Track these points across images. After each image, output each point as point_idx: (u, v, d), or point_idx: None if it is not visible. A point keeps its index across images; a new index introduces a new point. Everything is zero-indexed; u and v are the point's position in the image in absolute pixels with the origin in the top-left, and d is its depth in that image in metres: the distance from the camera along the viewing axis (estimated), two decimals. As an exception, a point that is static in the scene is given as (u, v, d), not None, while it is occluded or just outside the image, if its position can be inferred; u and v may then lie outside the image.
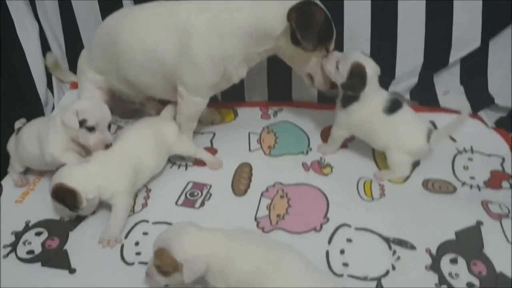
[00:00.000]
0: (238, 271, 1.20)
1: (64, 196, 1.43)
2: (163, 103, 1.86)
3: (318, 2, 1.57)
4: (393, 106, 1.62)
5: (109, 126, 1.56)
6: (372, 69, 1.58)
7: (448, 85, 1.97)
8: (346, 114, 1.65)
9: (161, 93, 1.78)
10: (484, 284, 1.30)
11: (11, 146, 1.70)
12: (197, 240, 1.22)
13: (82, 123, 1.48)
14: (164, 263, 1.20)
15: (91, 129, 1.49)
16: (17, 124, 1.73)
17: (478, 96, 1.94)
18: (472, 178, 1.68)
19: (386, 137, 1.62)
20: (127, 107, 2.00)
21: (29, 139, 1.61)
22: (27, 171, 1.75)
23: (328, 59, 1.62)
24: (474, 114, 1.93)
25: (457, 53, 1.90)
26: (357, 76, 1.56)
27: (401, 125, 1.62)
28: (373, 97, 1.61)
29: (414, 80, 1.94)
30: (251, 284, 1.18)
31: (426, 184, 1.64)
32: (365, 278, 1.33)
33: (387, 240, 1.43)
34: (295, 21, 1.50)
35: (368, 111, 1.61)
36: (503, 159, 1.75)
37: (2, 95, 1.80)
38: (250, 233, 1.35)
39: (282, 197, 1.60)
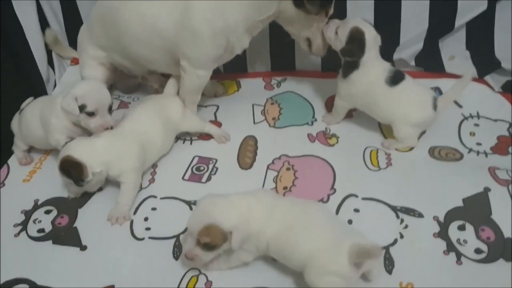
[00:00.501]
0: (271, 229, 1.23)
1: (70, 168, 1.43)
2: (166, 76, 1.84)
3: None
4: (396, 78, 1.59)
5: (110, 109, 1.54)
6: (371, 36, 1.57)
7: (454, 50, 1.94)
8: (346, 84, 1.63)
9: (163, 67, 1.76)
10: (493, 250, 1.31)
11: (15, 124, 1.70)
12: (234, 206, 1.23)
13: (81, 108, 1.47)
14: (215, 237, 1.19)
15: (91, 114, 1.49)
16: (24, 105, 1.72)
17: (484, 60, 1.92)
18: (478, 144, 1.68)
19: (390, 110, 1.60)
20: (130, 82, 1.99)
21: (32, 120, 1.61)
22: (31, 149, 1.75)
23: (328, 26, 1.61)
24: (480, 78, 1.91)
25: (462, 17, 1.86)
26: (355, 41, 1.55)
27: (405, 97, 1.59)
28: (374, 66, 1.59)
29: (419, 46, 1.92)
30: (279, 240, 1.22)
31: (432, 151, 1.64)
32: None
33: (394, 209, 1.44)
34: None
35: (369, 80, 1.59)
36: (510, 124, 1.74)
37: (3, 73, 1.79)
38: (271, 192, 1.40)
39: (288, 169, 1.60)
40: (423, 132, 1.69)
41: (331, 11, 1.63)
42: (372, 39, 1.57)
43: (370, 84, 1.59)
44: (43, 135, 1.58)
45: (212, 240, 1.19)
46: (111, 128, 1.53)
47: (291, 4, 1.55)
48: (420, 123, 1.62)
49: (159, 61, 1.71)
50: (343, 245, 1.15)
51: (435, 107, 1.59)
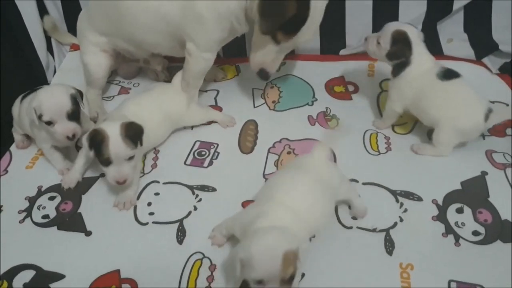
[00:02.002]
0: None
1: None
2: (169, 58, 1.84)
3: None
4: (449, 73, 1.54)
5: (70, 115, 1.48)
6: (413, 32, 1.55)
7: (452, 33, 1.95)
8: (398, 82, 1.58)
9: (167, 50, 1.75)
10: (490, 232, 1.35)
11: (15, 110, 1.69)
12: (283, 230, 1.14)
13: (40, 117, 1.46)
14: (292, 263, 1.07)
15: (48, 123, 1.47)
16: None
17: (482, 42, 1.93)
18: (476, 126, 1.69)
19: (439, 107, 1.52)
20: (130, 66, 1.98)
21: (26, 117, 1.59)
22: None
23: (367, 41, 1.61)
24: (478, 60, 1.92)
25: (460, 0, 1.87)
26: (400, 41, 1.54)
27: (457, 96, 1.52)
28: (425, 60, 1.56)
29: (418, 29, 1.90)
30: None
31: (431, 134, 1.64)
32: (374, 230, 1.37)
33: (394, 193, 1.47)
34: (262, 7, 1.44)
35: (421, 73, 1.54)
36: (508, 106, 1.75)
37: (3, 60, 1.78)
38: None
39: (289, 152, 1.62)
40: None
41: (288, 44, 1.55)
42: (415, 35, 1.55)
43: (422, 77, 1.54)
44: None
45: (294, 268, 1.08)
46: (73, 136, 1.49)
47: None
48: (466, 130, 1.52)
49: (163, 45, 1.70)
50: None
51: (486, 117, 1.49)
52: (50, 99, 1.47)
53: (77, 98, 1.51)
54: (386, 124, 1.70)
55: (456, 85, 1.53)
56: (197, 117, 1.73)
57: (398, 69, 1.57)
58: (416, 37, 1.55)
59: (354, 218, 1.41)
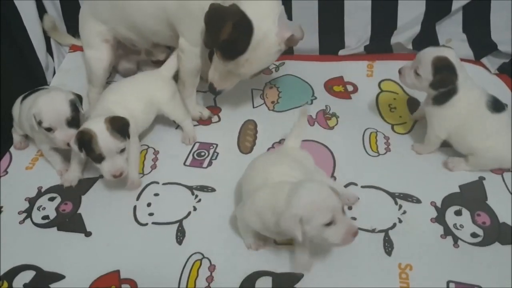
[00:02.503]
0: None
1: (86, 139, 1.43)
2: (172, 49, 1.83)
3: (245, 17, 1.42)
4: (498, 105, 1.46)
5: (70, 122, 1.48)
6: (454, 57, 1.43)
7: (451, 33, 1.96)
8: (445, 110, 1.46)
9: (167, 39, 1.75)
10: (488, 234, 1.35)
11: (15, 111, 1.69)
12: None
13: (39, 124, 1.46)
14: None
15: (48, 129, 1.47)
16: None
17: (481, 43, 1.93)
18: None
19: (483, 138, 1.45)
20: (130, 63, 1.98)
21: (26, 117, 1.58)
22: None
23: (403, 74, 1.51)
24: (477, 60, 1.92)
25: (459, 0, 1.87)
26: (443, 68, 1.41)
27: (504, 129, 1.46)
28: (472, 87, 1.46)
29: (417, 29, 1.93)
30: None
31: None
32: (373, 231, 1.38)
33: (393, 195, 1.47)
34: (205, 19, 1.43)
35: (471, 101, 1.44)
36: (506, 106, 1.75)
37: (2, 61, 1.78)
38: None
39: (289, 153, 1.62)
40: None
41: (233, 68, 1.53)
42: (455, 56, 1.43)
43: (471, 105, 1.45)
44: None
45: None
46: None
47: None
48: (504, 163, 1.49)
49: (163, 33, 1.70)
50: None
51: None
52: (50, 106, 1.47)
53: (76, 104, 1.51)
54: (427, 151, 1.59)
55: (505, 117, 1.47)
56: (177, 112, 1.71)
57: (444, 98, 1.45)
58: (458, 60, 1.43)
59: (353, 218, 1.41)
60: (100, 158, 1.43)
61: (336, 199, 1.12)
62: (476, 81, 1.80)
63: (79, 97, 1.55)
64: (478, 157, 1.48)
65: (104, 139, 1.41)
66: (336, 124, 1.72)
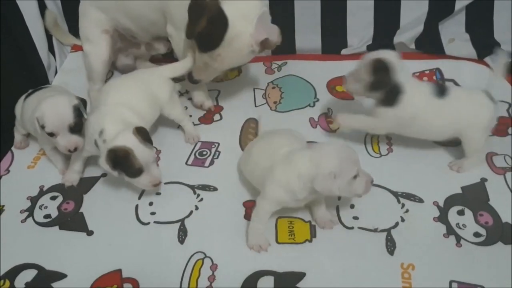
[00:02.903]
0: None
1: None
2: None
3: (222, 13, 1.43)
4: (441, 89, 1.49)
5: (72, 128, 1.46)
6: (390, 56, 1.45)
7: (454, 33, 1.95)
8: (398, 111, 1.46)
9: (164, 30, 1.73)
10: (491, 233, 1.35)
11: (18, 109, 1.69)
12: None
13: (42, 128, 1.45)
14: None
15: (51, 134, 1.46)
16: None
17: (484, 42, 1.92)
18: (478, 126, 1.69)
19: (454, 122, 1.48)
20: (129, 58, 1.98)
21: (29, 117, 1.57)
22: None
23: (346, 82, 1.53)
24: (480, 60, 1.91)
25: (462, 0, 1.87)
26: (380, 69, 1.43)
27: (463, 103, 1.48)
28: (417, 84, 1.49)
29: (419, 29, 1.92)
30: None
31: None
32: (375, 230, 1.38)
33: (395, 194, 1.47)
34: (188, 10, 1.45)
35: (422, 98, 1.46)
36: (510, 105, 1.76)
37: (3, 60, 1.78)
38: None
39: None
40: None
41: (209, 61, 1.55)
42: (394, 57, 1.45)
43: (425, 102, 1.47)
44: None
45: None
46: (75, 149, 1.48)
47: None
48: (487, 123, 1.48)
49: (160, 23, 1.70)
50: None
51: (493, 100, 1.49)
52: (53, 111, 1.45)
53: (80, 109, 1.49)
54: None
55: (454, 94, 1.49)
56: (175, 111, 1.69)
57: (392, 98, 1.45)
58: (395, 60, 1.45)
59: (355, 218, 1.41)
60: (139, 172, 1.41)
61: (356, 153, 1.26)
62: (479, 79, 1.82)
63: (83, 101, 1.53)
64: (470, 135, 1.48)
65: (141, 152, 1.39)
66: (338, 128, 1.70)
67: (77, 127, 1.48)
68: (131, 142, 1.39)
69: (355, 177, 1.23)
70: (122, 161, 1.38)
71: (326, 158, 1.21)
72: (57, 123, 1.45)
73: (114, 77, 1.99)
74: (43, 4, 2.03)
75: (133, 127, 1.42)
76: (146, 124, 1.55)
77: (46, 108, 1.45)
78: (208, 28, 1.44)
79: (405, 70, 1.46)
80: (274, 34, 1.49)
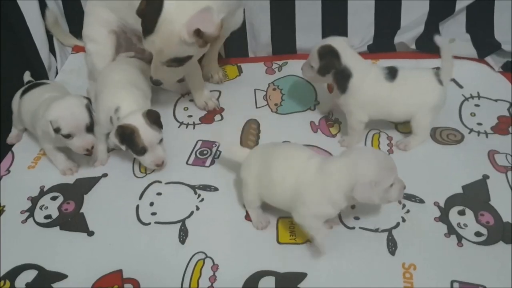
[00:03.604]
0: None
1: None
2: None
3: None
4: (392, 72, 1.55)
5: (88, 128, 1.50)
6: (337, 42, 1.52)
7: (454, 33, 1.95)
8: (352, 96, 1.54)
9: None
10: (492, 233, 1.34)
11: (15, 105, 1.69)
12: None
13: (57, 131, 1.45)
14: None
15: (67, 136, 1.47)
16: (26, 77, 1.76)
17: (485, 42, 1.92)
18: (479, 124, 1.69)
19: (405, 104, 1.55)
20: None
21: (27, 114, 1.60)
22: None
23: (303, 70, 1.63)
24: (481, 59, 1.91)
25: (463, 0, 1.87)
26: (326, 54, 1.51)
27: (411, 85, 1.55)
28: (367, 68, 1.55)
29: (420, 29, 1.92)
30: None
31: (434, 133, 1.65)
32: (376, 230, 1.37)
33: (396, 195, 1.46)
34: None
35: (371, 82, 1.53)
36: (510, 104, 1.76)
37: (4, 60, 1.78)
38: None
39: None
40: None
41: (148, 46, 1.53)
42: (341, 44, 1.52)
43: (374, 85, 1.53)
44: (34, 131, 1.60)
45: None
46: (91, 148, 1.52)
47: None
48: (437, 103, 1.55)
49: None
50: None
51: (441, 82, 1.55)
52: (68, 113, 1.46)
53: (90, 108, 1.52)
54: (355, 140, 1.65)
55: (403, 76, 1.55)
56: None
57: (342, 83, 1.53)
58: (342, 45, 1.52)
59: (356, 218, 1.41)
60: (143, 151, 1.51)
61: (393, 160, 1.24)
62: (480, 78, 1.84)
63: (90, 100, 1.56)
64: (420, 115, 1.55)
65: (146, 132, 1.48)
66: (338, 131, 1.71)
67: (92, 126, 1.52)
68: (138, 122, 1.48)
69: (391, 184, 1.21)
70: (128, 138, 1.48)
71: (365, 166, 1.18)
72: (74, 124, 1.47)
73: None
74: (44, 5, 2.03)
75: (145, 109, 1.52)
76: (147, 101, 1.65)
77: (60, 110, 1.46)
78: (144, 10, 1.45)
79: (352, 55, 1.53)
80: (209, 25, 1.43)
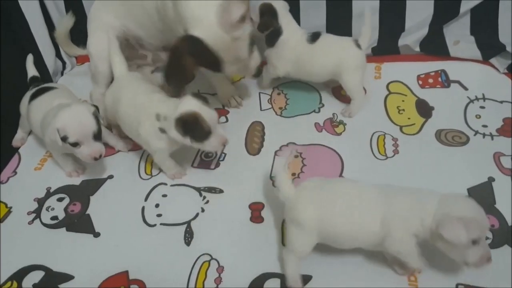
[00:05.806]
0: None
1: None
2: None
3: None
4: (314, 36, 1.71)
5: (96, 136, 1.48)
6: (280, 5, 1.69)
7: (459, 35, 1.94)
8: (276, 50, 1.73)
9: (172, 38, 1.69)
10: (497, 236, 1.34)
11: (23, 107, 1.68)
12: None
13: (64, 139, 1.43)
14: None
15: (74, 144, 1.45)
16: (29, 64, 1.77)
17: (489, 44, 1.91)
18: (484, 126, 1.68)
19: (325, 65, 1.70)
20: (133, 64, 1.97)
21: (36, 122, 1.59)
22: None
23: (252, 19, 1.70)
24: (485, 61, 1.91)
25: (467, 2, 1.86)
26: (266, 13, 1.67)
27: (329, 48, 1.70)
28: (295, 29, 1.72)
29: (424, 31, 1.92)
30: None
31: (439, 135, 1.65)
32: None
33: (401, 196, 1.46)
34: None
35: (295, 43, 1.70)
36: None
37: (7, 65, 1.79)
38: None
39: (296, 156, 1.62)
40: (430, 116, 1.70)
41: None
42: (281, 6, 1.69)
43: (297, 46, 1.70)
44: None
45: None
46: (100, 156, 1.49)
47: None
48: (359, 62, 1.70)
49: (167, 31, 1.66)
50: None
51: (359, 46, 1.70)
52: (75, 121, 1.44)
53: (97, 116, 1.50)
54: (265, 82, 1.89)
55: (323, 40, 1.71)
56: None
57: (272, 39, 1.72)
58: (282, 7, 1.69)
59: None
60: (208, 134, 1.40)
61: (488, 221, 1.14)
62: (485, 80, 1.84)
63: (97, 108, 1.55)
64: (345, 74, 1.70)
65: (207, 113, 1.39)
66: (343, 131, 1.71)
67: (100, 134, 1.49)
68: (196, 106, 1.38)
69: (474, 242, 1.10)
70: (192, 126, 1.38)
71: (458, 208, 1.13)
72: (82, 132, 1.44)
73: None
74: (49, 16, 2.05)
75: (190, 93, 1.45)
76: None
77: (67, 118, 1.43)
78: None
79: (287, 16, 1.71)
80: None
